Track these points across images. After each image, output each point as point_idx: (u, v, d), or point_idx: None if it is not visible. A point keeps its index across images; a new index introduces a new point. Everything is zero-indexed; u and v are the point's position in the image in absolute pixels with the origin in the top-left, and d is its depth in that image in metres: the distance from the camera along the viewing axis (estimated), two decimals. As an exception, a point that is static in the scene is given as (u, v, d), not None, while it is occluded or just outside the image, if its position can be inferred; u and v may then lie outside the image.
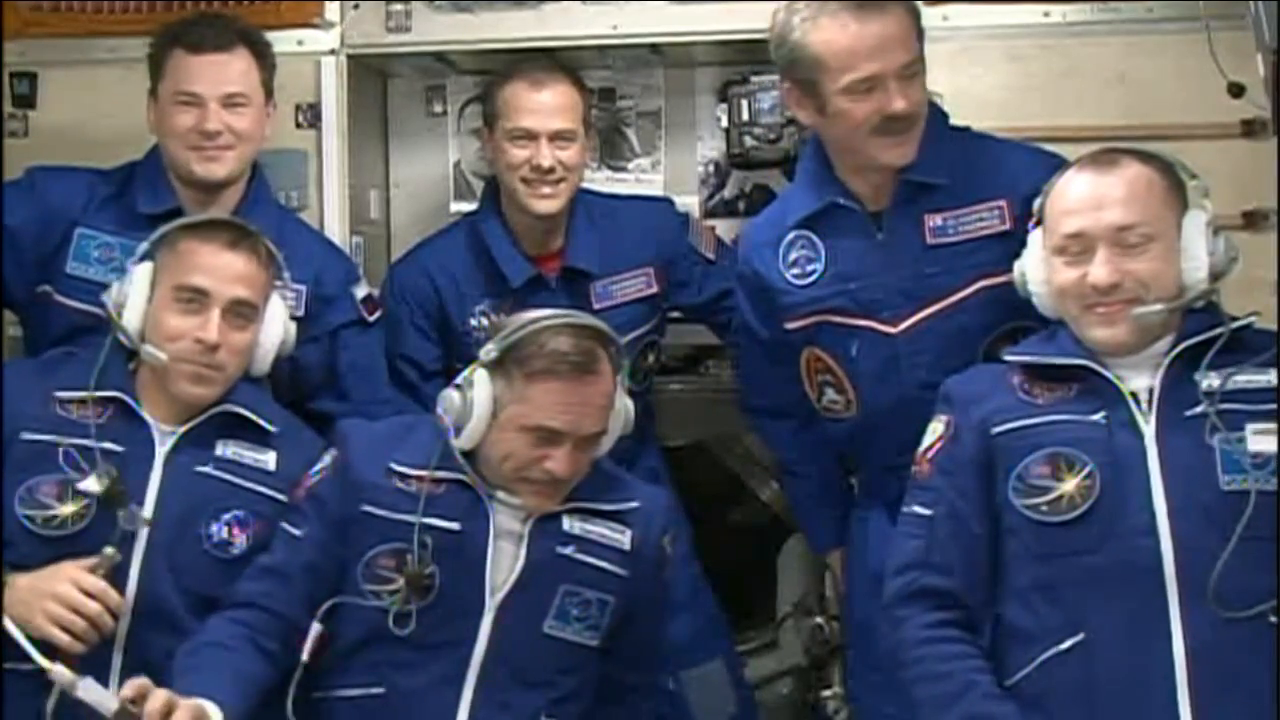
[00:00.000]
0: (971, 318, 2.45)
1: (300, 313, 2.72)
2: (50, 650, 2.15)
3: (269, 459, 2.43)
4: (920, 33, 2.44)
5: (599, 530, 2.38)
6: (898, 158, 2.45)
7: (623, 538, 2.39)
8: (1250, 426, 2.11)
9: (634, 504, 2.42)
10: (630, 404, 2.42)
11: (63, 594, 2.22)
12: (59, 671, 2.03)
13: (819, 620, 3.14)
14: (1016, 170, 2.45)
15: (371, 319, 2.84)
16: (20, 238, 2.64)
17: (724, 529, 3.30)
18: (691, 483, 3.19)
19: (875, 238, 2.51)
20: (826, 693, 3.10)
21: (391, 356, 2.88)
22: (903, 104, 2.39)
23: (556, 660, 2.34)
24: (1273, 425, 2.11)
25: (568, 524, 2.36)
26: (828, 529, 2.82)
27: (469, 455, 2.35)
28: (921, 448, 2.29)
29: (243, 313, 2.42)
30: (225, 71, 2.66)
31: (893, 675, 2.26)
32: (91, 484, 2.29)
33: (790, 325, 2.59)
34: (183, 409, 2.40)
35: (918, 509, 2.26)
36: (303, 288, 2.73)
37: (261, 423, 2.43)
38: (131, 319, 2.40)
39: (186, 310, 2.38)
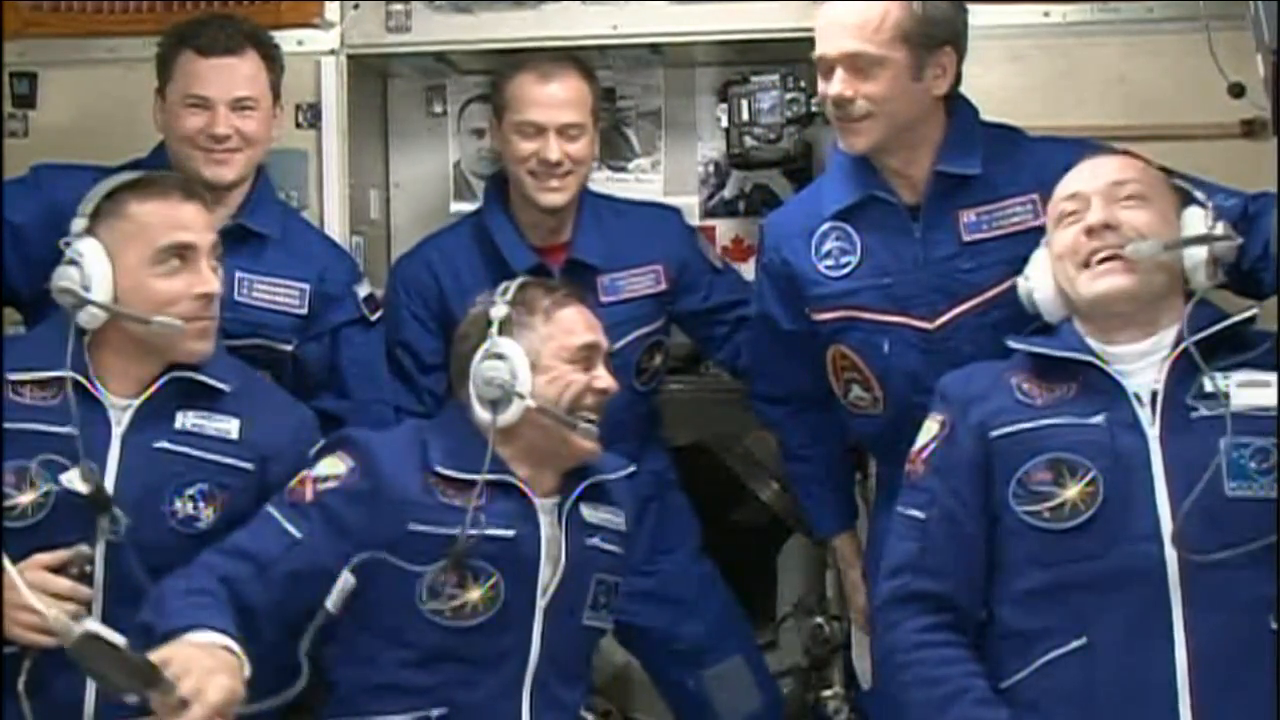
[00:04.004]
0: (1005, 313, 2.43)
1: (303, 311, 2.74)
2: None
3: (232, 427, 2.36)
4: (907, 33, 2.43)
5: (606, 516, 2.42)
6: (847, 146, 2.51)
7: (620, 519, 2.44)
8: (1235, 378, 2.11)
9: (632, 468, 2.51)
10: None
11: (30, 603, 2.14)
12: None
13: (819, 620, 3.13)
14: (1046, 163, 2.44)
15: (373, 318, 2.86)
16: (25, 234, 2.63)
17: (724, 529, 3.29)
18: (691, 483, 3.19)
19: (912, 233, 2.52)
20: (826, 693, 3.10)
21: (390, 345, 2.88)
22: (838, 89, 2.45)
23: (586, 650, 2.39)
24: (1266, 377, 2.11)
25: (586, 513, 2.39)
26: (832, 514, 2.85)
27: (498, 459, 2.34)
28: (916, 447, 2.28)
29: (216, 257, 2.38)
30: (235, 75, 2.67)
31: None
32: (77, 483, 2.23)
33: (819, 316, 2.61)
34: (135, 380, 2.34)
35: (911, 511, 2.24)
36: (306, 286, 2.75)
37: (216, 384, 2.36)
38: (102, 293, 2.29)
39: (174, 270, 2.31)
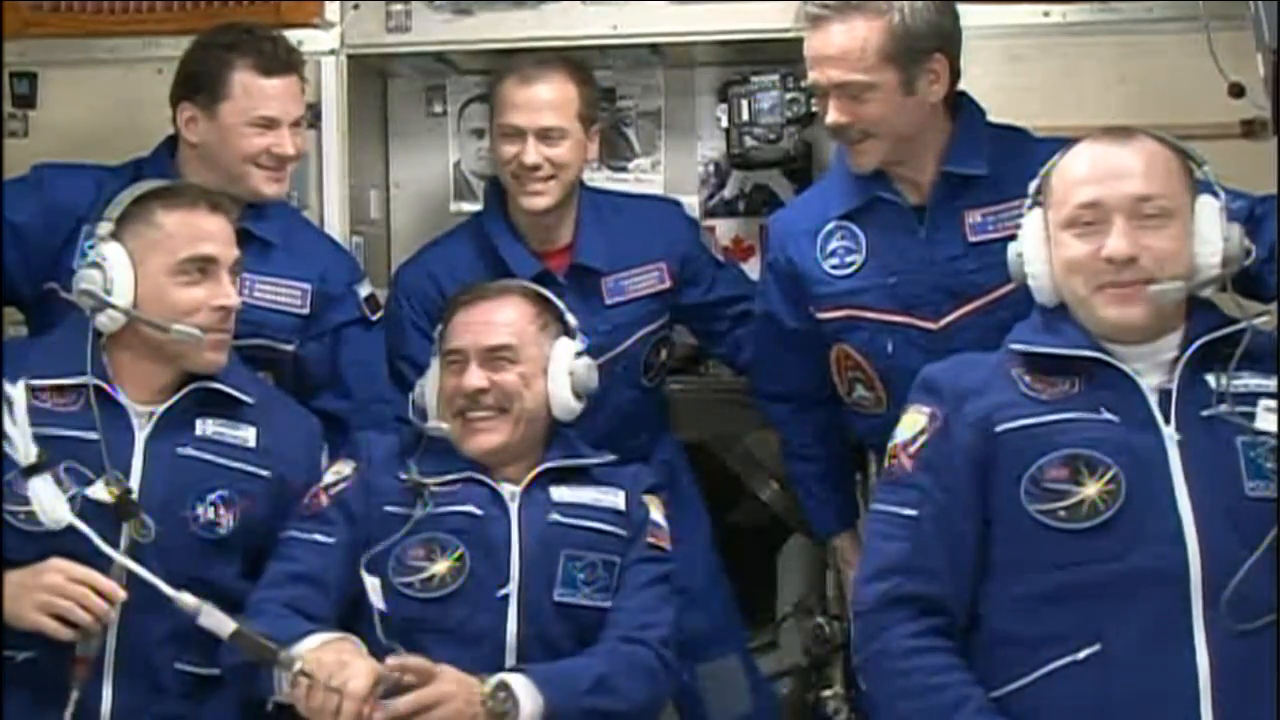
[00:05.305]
0: (1010, 314, 2.36)
1: (305, 310, 2.74)
2: (46, 641, 2.18)
3: (249, 435, 2.40)
4: (891, 53, 2.42)
5: (590, 494, 2.45)
6: (855, 166, 2.53)
7: (616, 499, 2.46)
8: (1262, 403, 2.03)
9: (610, 458, 2.51)
10: (587, 362, 2.50)
11: (49, 584, 2.18)
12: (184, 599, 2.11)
13: (819, 620, 3.12)
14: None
15: (374, 318, 2.86)
16: (26, 234, 2.63)
17: (724, 529, 3.29)
18: (692, 482, 3.19)
19: (917, 234, 2.52)
20: (826, 693, 3.08)
21: (393, 357, 2.87)
22: (833, 117, 2.47)
23: (579, 630, 2.37)
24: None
25: (555, 493, 2.43)
26: (832, 513, 2.85)
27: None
28: (899, 440, 2.17)
29: (235, 271, 2.42)
30: (293, 94, 2.70)
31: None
32: (100, 493, 2.23)
33: (822, 315, 2.61)
34: (157, 388, 2.36)
35: (899, 508, 2.13)
36: (308, 286, 2.75)
37: (238, 395, 2.39)
38: (123, 298, 2.31)
39: (195, 281, 2.34)
